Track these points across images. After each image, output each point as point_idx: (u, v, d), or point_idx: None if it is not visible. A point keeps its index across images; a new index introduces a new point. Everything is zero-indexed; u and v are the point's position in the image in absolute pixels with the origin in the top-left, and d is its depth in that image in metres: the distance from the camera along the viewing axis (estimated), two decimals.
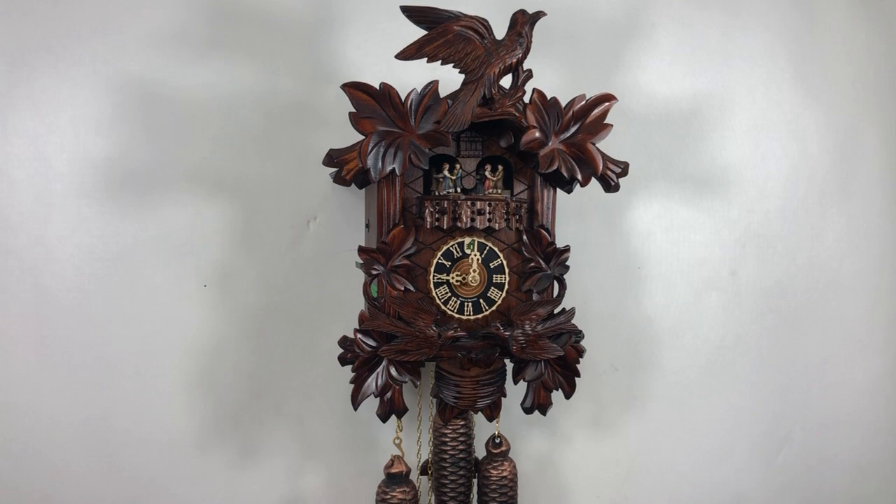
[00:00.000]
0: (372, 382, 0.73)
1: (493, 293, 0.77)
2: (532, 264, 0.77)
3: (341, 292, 0.92)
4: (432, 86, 0.69)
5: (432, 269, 0.75)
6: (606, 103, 0.75)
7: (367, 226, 0.83)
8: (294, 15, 0.90)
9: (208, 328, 0.89)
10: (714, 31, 1.04)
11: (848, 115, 1.10)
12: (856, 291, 1.11)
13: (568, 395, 0.80)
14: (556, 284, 0.78)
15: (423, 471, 0.86)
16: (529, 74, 0.72)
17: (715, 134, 1.05)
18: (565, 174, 0.72)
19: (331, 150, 0.71)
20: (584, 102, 0.74)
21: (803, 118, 1.08)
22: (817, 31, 1.08)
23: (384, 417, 0.75)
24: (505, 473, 0.82)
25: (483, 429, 0.87)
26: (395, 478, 0.79)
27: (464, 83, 0.70)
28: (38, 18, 0.84)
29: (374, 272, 0.72)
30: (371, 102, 0.67)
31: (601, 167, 0.74)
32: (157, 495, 0.90)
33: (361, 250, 0.72)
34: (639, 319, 1.04)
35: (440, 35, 0.68)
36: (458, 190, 0.75)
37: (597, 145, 0.75)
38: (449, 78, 0.70)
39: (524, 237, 0.77)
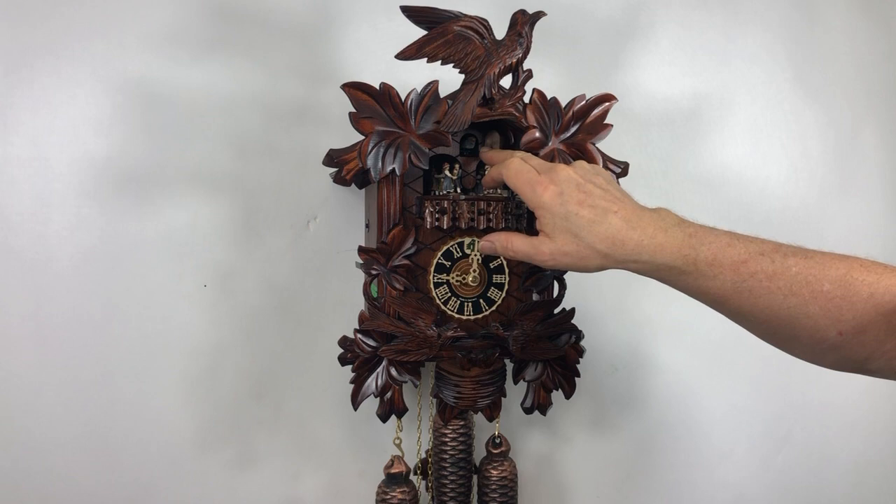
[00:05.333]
0: (372, 382, 0.73)
1: (493, 293, 0.77)
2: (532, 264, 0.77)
3: (341, 292, 0.92)
4: (432, 86, 0.69)
5: (432, 269, 0.75)
6: (606, 103, 0.75)
7: (367, 226, 0.83)
8: (294, 15, 0.90)
9: (208, 328, 0.89)
10: (714, 30, 1.04)
11: (848, 115, 1.10)
12: None
13: (568, 396, 0.80)
14: (556, 284, 0.78)
15: (416, 471, 0.85)
16: (529, 74, 0.73)
17: (715, 134, 1.05)
18: None
19: (331, 150, 0.71)
20: (584, 102, 0.74)
21: (803, 118, 1.08)
22: (817, 31, 1.08)
23: (384, 417, 0.75)
24: (505, 473, 0.83)
25: (483, 429, 0.87)
26: (395, 478, 0.79)
27: (464, 83, 0.70)
28: (38, 18, 0.84)
29: (374, 272, 0.72)
30: (371, 102, 0.68)
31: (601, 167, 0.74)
32: (157, 496, 0.89)
33: (361, 250, 0.72)
34: (639, 319, 1.04)
35: (440, 35, 0.68)
36: (458, 190, 0.75)
37: (597, 145, 0.75)
38: (449, 78, 0.70)
39: None
